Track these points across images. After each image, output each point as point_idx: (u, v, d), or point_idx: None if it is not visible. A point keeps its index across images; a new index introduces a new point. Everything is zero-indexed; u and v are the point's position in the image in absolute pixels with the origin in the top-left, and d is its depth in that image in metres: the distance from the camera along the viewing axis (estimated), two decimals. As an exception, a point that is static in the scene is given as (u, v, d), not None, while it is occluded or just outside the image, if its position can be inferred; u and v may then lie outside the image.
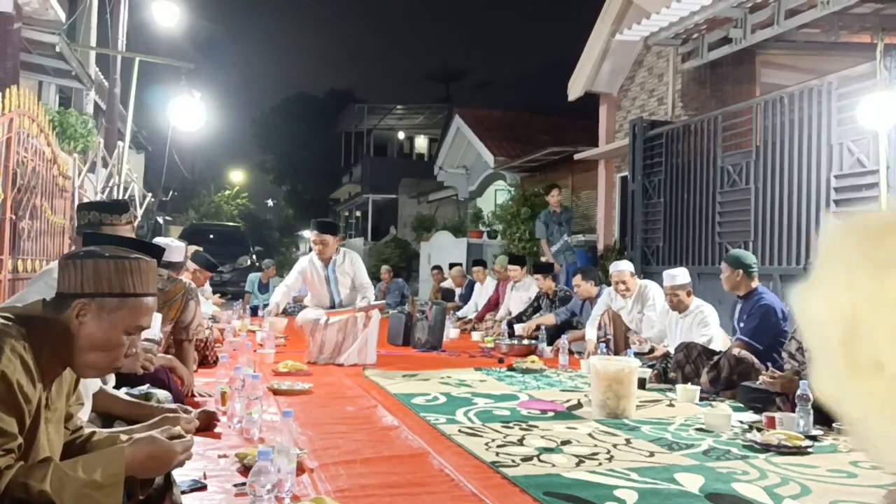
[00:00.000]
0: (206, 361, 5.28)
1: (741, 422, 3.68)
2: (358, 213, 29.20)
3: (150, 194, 13.75)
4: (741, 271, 4.72)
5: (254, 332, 7.31)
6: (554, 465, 2.84)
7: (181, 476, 2.25)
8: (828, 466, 2.92)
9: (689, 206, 7.75)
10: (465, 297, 10.25)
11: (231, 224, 22.41)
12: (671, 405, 4.24)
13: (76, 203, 7.76)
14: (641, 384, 4.53)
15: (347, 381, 4.92)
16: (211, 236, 16.83)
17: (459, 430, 3.43)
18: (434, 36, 69.14)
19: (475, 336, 7.88)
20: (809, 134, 6.18)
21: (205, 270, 6.82)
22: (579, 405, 4.09)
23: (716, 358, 4.51)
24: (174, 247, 4.23)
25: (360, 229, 27.53)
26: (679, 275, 5.19)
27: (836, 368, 0.21)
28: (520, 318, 7.70)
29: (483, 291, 9.46)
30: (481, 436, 3.33)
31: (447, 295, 10.93)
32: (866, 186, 5.57)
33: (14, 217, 5.58)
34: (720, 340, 5.07)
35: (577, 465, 2.86)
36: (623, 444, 3.23)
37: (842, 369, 0.21)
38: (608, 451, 3.08)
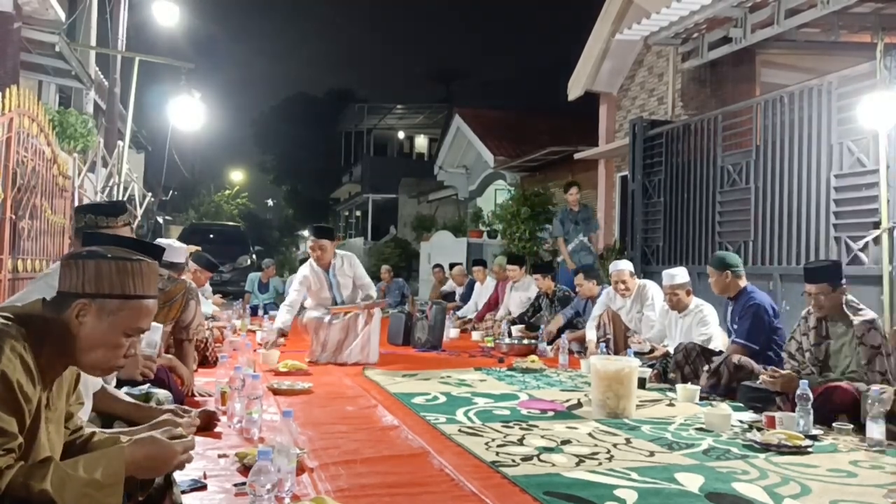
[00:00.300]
0: (206, 361, 5.28)
1: (741, 421, 3.68)
2: (358, 213, 29.21)
3: (150, 194, 13.75)
4: (729, 273, 4.73)
5: (254, 331, 7.32)
6: (554, 465, 2.84)
7: (181, 476, 2.25)
8: (828, 466, 2.92)
9: (689, 205, 7.75)
10: (465, 297, 10.25)
11: (231, 224, 22.39)
12: (671, 405, 4.24)
13: (76, 203, 7.77)
14: (641, 384, 4.53)
15: (347, 381, 4.92)
16: (211, 236, 16.81)
17: (459, 430, 3.43)
18: (434, 36, 69.14)
19: (475, 336, 7.89)
20: (809, 134, 6.18)
21: (205, 270, 6.82)
22: (579, 405, 4.09)
23: (715, 364, 4.50)
24: (176, 248, 4.23)
25: (360, 229, 27.54)
26: (678, 274, 5.20)
27: None
28: (521, 319, 7.70)
29: (483, 291, 9.46)
30: (481, 435, 3.33)
31: (447, 296, 10.93)
32: (866, 186, 5.57)
33: (14, 217, 5.58)
34: (720, 339, 5.07)
35: (578, 464, 2.86)
36: (623, 444, 3.23)
37: None
38: (608, 451, 3.08)
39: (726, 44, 7.44)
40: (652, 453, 3.07)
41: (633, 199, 8.74)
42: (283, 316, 6.01)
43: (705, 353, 4.71)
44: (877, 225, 5.37)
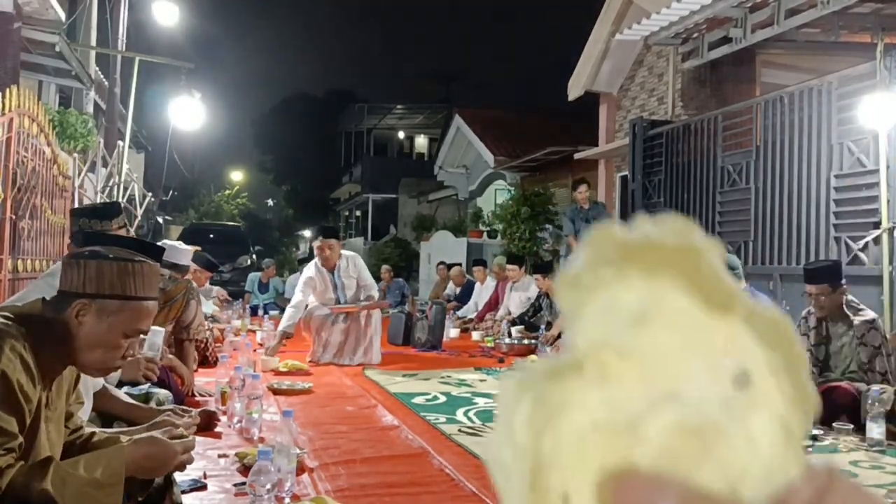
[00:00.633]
0: (207, 361, 5.28)
1: (741, 421, 3.69)
2: (358, 213, 29.19)
3: (150, 194, 13.74)
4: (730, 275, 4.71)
5: (254, 331, 7.32)
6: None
7: (181, 476, 2.25)
8: (828, 466, 2.92)
9: (689, 205, 7.75)
10: (461, 298, 10.24)
11: (231, 224, 22.38)
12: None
13: (76, 203, 7.77)
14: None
15: (347, 381, 4.92)
16: (211, 236, 16.80)
17: (459, 430, 3.43)
18: (434, 36, 69.16)
19: (475, 336, 7.88)
20: (809, 134, 6.18)
21: (205, 270, 6.82)
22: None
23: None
24: (180, 249, 4.22)
25: (360, 229, 27.52)
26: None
27: None
28: (521, 319, 7.70)
29: (483, 291, 9.46)
30: (481, 435, 3.33)
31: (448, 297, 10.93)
32: (866, 186, 5.57)
33: (14, 217, 5.58)
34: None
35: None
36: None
37: None
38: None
39: (726, 44, 7.44)
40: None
41: (633, 199, 8.74)
42: (287, 319, 5.98)
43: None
44: (877, 225, 5.37)
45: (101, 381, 2.64)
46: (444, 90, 33.17)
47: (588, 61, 10.84)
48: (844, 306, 3.91)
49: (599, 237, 0.24)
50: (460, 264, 11.26)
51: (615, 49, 10.40)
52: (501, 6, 65.21)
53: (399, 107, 26.94)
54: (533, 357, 5.95)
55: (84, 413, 2.14)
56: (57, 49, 8.43)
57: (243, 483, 2.41)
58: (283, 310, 10.60)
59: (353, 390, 4.59)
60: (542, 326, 7.07)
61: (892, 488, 2.61)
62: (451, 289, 11.13)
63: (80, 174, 8.32)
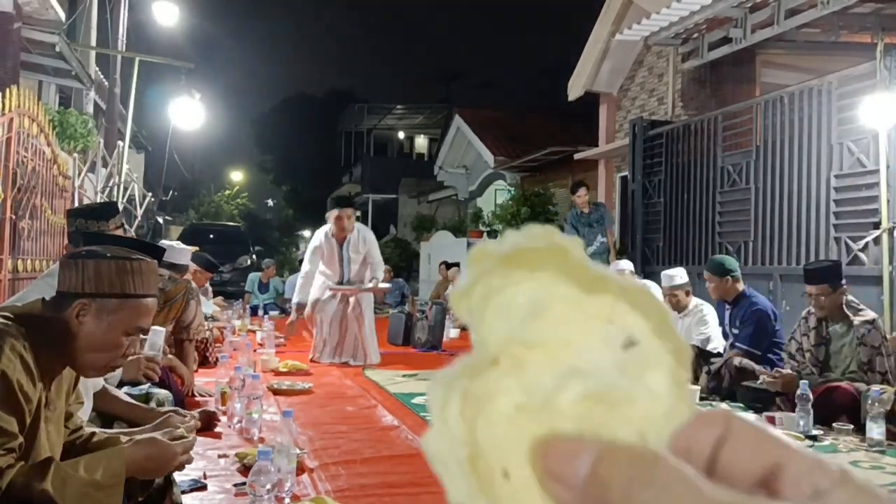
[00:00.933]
0: (207, 361, 5.28)
1: (741, 422, 3.68)
2: (358, 213, 29.16)
3: (150, 194, 13.74)
4: (729, 278, 4.70)
5: (254, 331, 7.31)
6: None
7: (181, 476, 2.25)
8: (828, 466, 2.92)
9: (689, 206, 7.75)
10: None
11: (231, 224, 22.39)
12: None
13: (76, 203, 7.77)
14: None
15: (347, 381, 4.92)
16: (211, 236, 16.80)
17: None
18: (434, 36, 69.17)
19: (475, 336, 7.87)
20: (809, 134, 6.18)
21: (205, 271, 6.81)
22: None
23: (716, 366, 4.50)
24: (179, 249, 4.22)
25: (360, 229, 27.47)
26: (677, 275, 5.19)
27: (469, 490, 0.21)
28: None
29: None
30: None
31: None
32: (866, 186, 5.57)
33: (14, 217, 5.58)
34: (719, 339, 5.07)
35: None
36: (623, 444, 3.22)
37: (474, 489, 0.21)
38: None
39: (726, 44, 7.44)
40: (652, 453, 3.07)
41: (633, 200, 8.74)
42: (299, 290, 6.01)
43: (704, 355, 4.70)
44: (877, 225, 5.37)
45: (100, 381, 2.64)
46: (444, 90, 33.17)
47: (588, 61, 10.85)
48: (844, 306, 3.91)
49: (477, 254, 0.28)
50: (458, 265, 11.25)
51: (615, 49, 10.40)
52: (502, 6, 65.25)
53: (399, 107, 26.95)
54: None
55: (84, 413, 2.14)
56: (57, 49, 8.43)
57: (243, 483, 2.41)
58: (283, 310, 10.66)
59: (353, 390, 4.59)
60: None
61: (892, 488, 2.61)
62: (452, 289, 11.12)
63: (80, 174, 8.32)
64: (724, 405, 4.16)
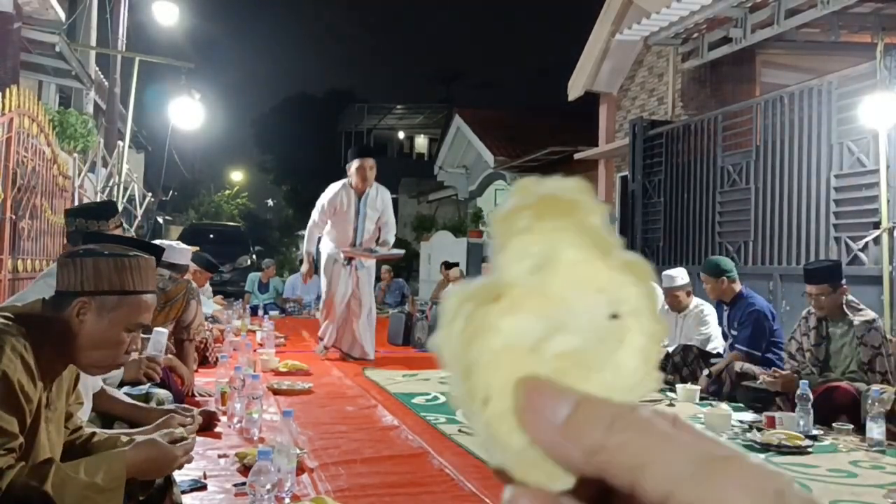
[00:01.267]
0: (207, 361, 5.28)
1: (741, 421, 3.68)
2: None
3: (150, 194, 13.74)
4: (725, 279, 4.70)
5: (254, 332, 7.31)
6: (554, 465, 2.84)
7: (181, 476, 2.25)
8: (828, 466, 2.92)
9: (689, 205, 7.75)
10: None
11: (231, 224, 22.38)
12: (671, 405, 4.23)
13: (76, 203, 7.77)
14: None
15: (347, 381, 4.92)
16: (211, 236, 16.79)
17: (459, 430, 3.43)
18: (434, 36, 69.17)
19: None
20: (809, 134, 6.18)
21: (205, 271, 6.81)
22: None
23: (716, 368, 4.49)
24: (179, 249, 4.22)
25: (360, 229, 27.48)
26: (678, 276, 5.19)
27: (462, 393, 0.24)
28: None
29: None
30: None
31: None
32: (866, 186, 5.57)
33: (14, 217, 5.58)
34: (719, 339, 5.07)
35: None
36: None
37: (463, 395, 0.24)
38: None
39: (726, 44, 7.44)
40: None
41: (633, 200, 8.74)
42: (308, 240, 6.06)
43: (704, 356, 4.70)
44: (877, 225, 5.37)
45: (99, 382, 2.64)
46: (444, 90, 33.18)
47: (588, 61, 10.84)
48: (844, 306, 3.91)
49: (523, 186, 0.30)
50: (457, 265, 11.23)
51: (615, 49, 10.40)
52: (502, 6, 65.25)
53: (399, 107, 26.95)
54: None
55: (84, 413, 2.14)
56: (57, 49, 8.43)
57: (243, 483, 2.41)
58: (283, 310, 10.66)
59: (353, 390, 4.59)
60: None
61: (892, 488, 2.61)
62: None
63: (80, 174, 8.32)
64: (724, 405, 4.17)
